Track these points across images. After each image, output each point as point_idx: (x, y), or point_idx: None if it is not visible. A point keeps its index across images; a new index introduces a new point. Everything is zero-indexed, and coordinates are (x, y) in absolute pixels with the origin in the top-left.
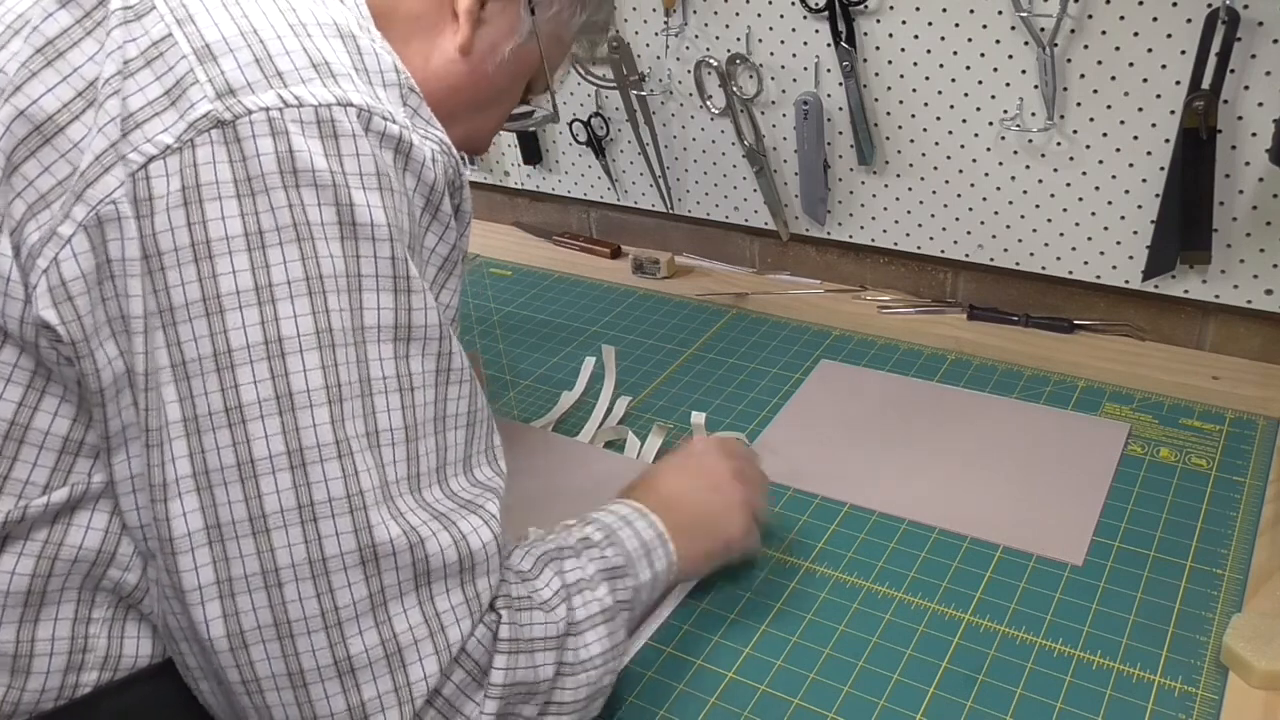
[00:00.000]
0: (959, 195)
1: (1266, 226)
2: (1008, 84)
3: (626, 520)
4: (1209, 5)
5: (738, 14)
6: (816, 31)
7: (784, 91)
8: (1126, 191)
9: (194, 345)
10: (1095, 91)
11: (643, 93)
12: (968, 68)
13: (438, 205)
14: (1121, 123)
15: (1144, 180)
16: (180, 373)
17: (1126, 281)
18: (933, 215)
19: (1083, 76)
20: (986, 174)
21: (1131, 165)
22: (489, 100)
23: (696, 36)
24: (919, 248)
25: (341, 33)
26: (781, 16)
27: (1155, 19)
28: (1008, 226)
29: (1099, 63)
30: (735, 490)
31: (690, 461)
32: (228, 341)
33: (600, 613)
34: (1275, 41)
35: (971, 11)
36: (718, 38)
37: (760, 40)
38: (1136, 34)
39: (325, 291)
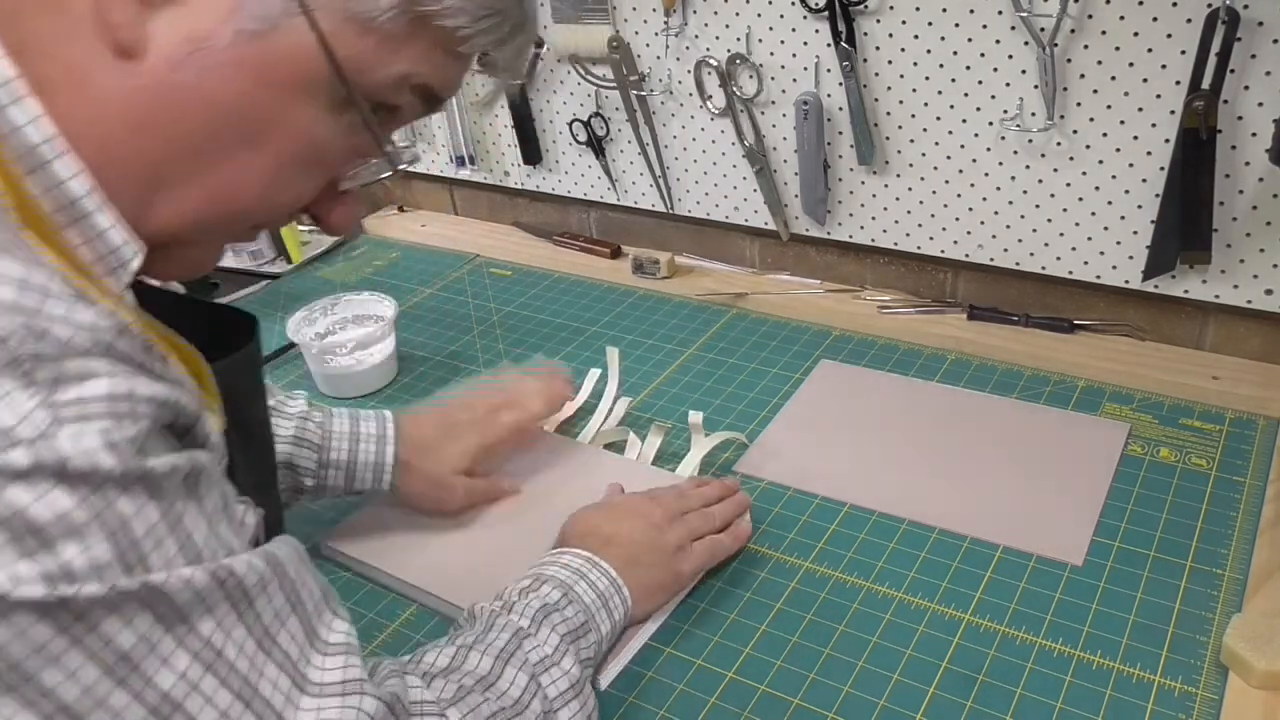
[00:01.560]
0: (959, 195)
1: (1266, 226)
2: (1008, 84)
3: (580, 574)
4: (1209, 5)
5: (738, 14)
6: (816, 31)
7: (784, 91)
8: (1126, 191)
9: None
10: (1095, 91)
11: (643, 93)
12: (968, 68)
13: (139, 476)
14: (1121, 123)
15: (1144, 180)
16: None
17: (1126, 281)
18: (933, 215)
19: (1083, 76)
20: (986, 174)
21: (1131, 165)
22: (231, 137)
23: (696, 36)
24: (919, 248)
25: None
26: (781, 16)
27: (1155, 19)
28: (1008, 226)
29: (1099, 63)
30: (669, 520)
31: (618, 502)
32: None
33: (570, 688)
34: (1275, 41)
35: (971, 11)
36: (718, 38)
37: (760, 40)
38: (1136, 34)
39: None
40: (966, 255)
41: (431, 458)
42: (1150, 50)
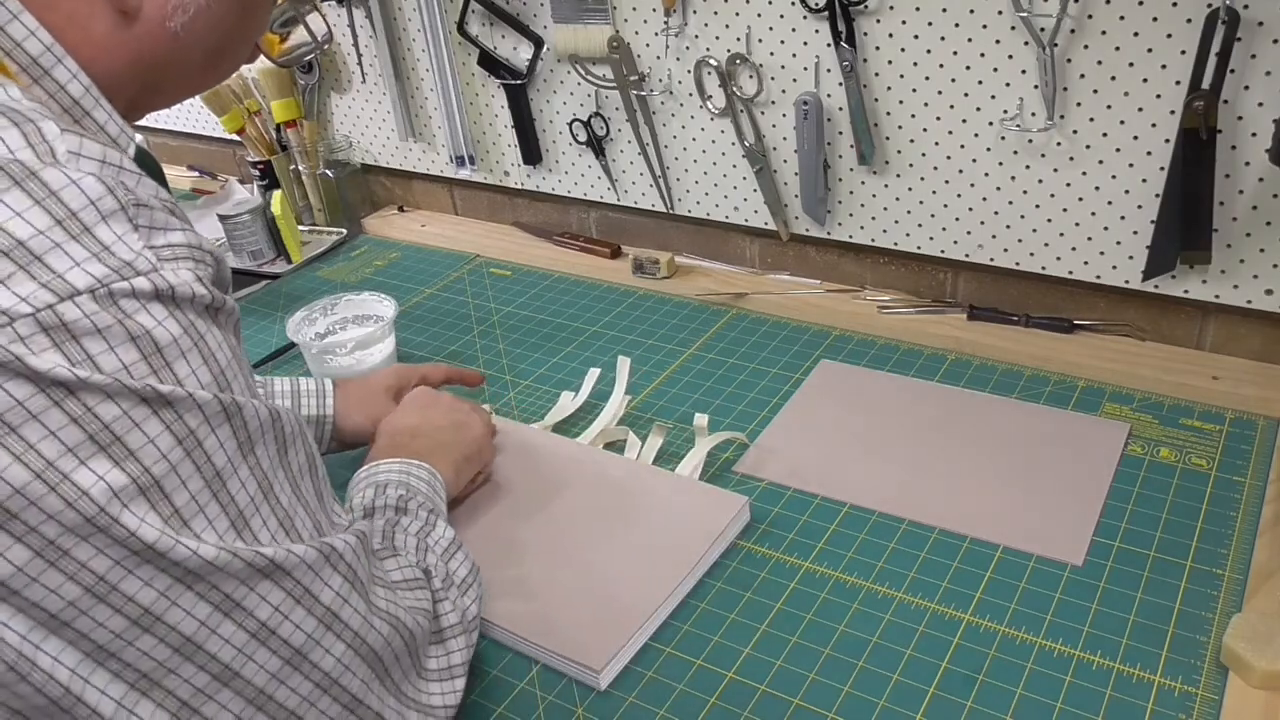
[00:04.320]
0: (959, 195)
1: (1266, 226)
2: (1008, 84)
3: (405, 470)
4: (1209, 5)
5: (738, 14)
6: (816, 31)
7: (784, 91)
8: (1126, 191)
9: None
10: (1095, 91)
11: (643, 93)
12: (968, 68)
13: (218, 307)
14: (1121, 123)
15: (1144, 180)
16: None
17: (1126, 281)
18: (933, 215)
19: (1083, 76)
20: (986, 174)
21: (1131, 165)
22: (208, 56)
23: (696, 36)
24: (919, 248)
25: (13, 174)
26: (781, 16)
27: (1155, 19)
28: (1008, 226)
29: (1099, 63)
30: (461, 404)
31: (409, 404)
32: None
33: (450, 543)
34: (1275, 41)
35: (971, 11)
36: (718, 38)
37: (760, 40)
38: (1136, 34)
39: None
40: (966, 255)
41: (360, 383)
42: (1150, 50)
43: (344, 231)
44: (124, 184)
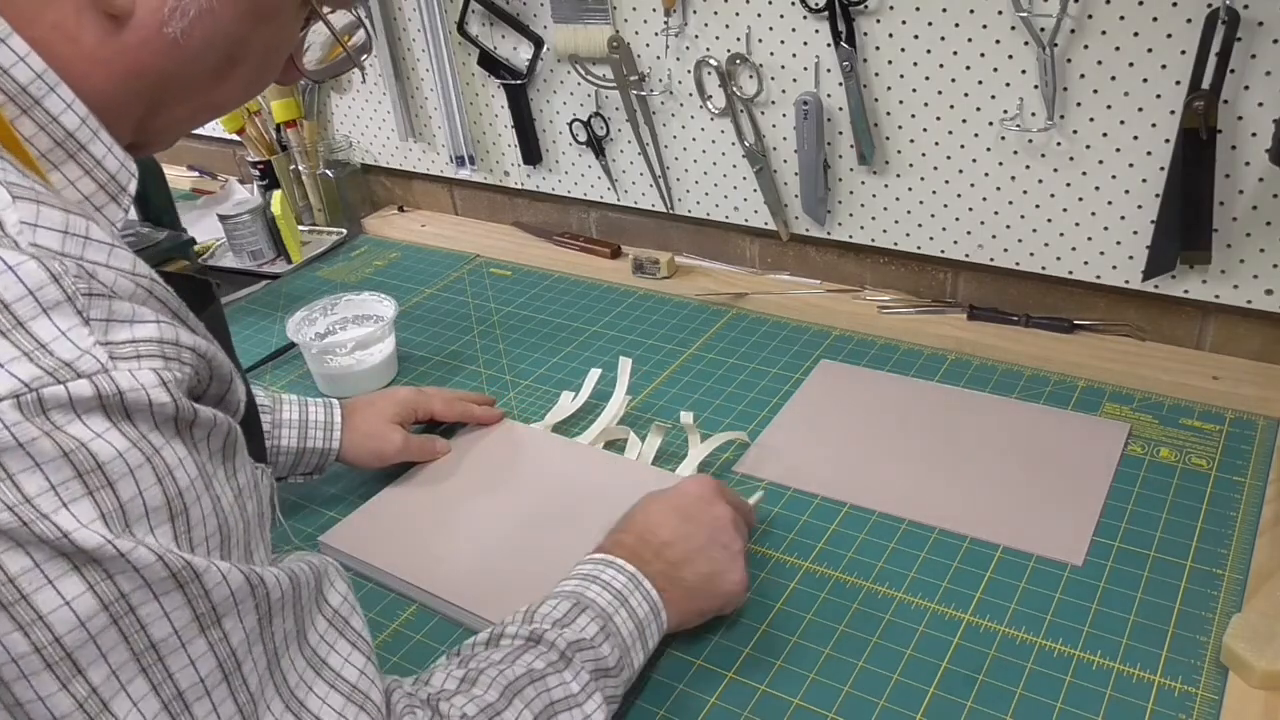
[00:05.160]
0: (959, 195)
1: (1266, 226)
2: (1008, 84)
3: (623, 599)
4: (1209, 5)
5: (738, 14)
6: (816, 31)
7: (784, 91)
8: (1126, 191)
9: None
10: (1095, 91)
11: (643, 93)
12: (968, 68)
13: (189, 420)
14: (1121, 123)
15: (1144, 180)
16: None
17: (1126, 281)
18: (933, 215)
19: (1083, 76)
20: (986, 174)
21: (1131, 165)
22: (219, 64)
23: (696, 36)
24: (919, 248)
25: None
26: (781, 16)
27: (1155, 19)
28: (1008, 226)
29: (1099, 63)
30: (735, 542)
31: (690, 506)
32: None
33: None
34: (1275, 41)
35: (971, 11)
36: (718, 38)
37: (760, 40)
38: (1136, 34)
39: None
40: (966, 255)
41: (368, 412)
42: (1150, 50)
43: (344, 231)
44: (83, 265)
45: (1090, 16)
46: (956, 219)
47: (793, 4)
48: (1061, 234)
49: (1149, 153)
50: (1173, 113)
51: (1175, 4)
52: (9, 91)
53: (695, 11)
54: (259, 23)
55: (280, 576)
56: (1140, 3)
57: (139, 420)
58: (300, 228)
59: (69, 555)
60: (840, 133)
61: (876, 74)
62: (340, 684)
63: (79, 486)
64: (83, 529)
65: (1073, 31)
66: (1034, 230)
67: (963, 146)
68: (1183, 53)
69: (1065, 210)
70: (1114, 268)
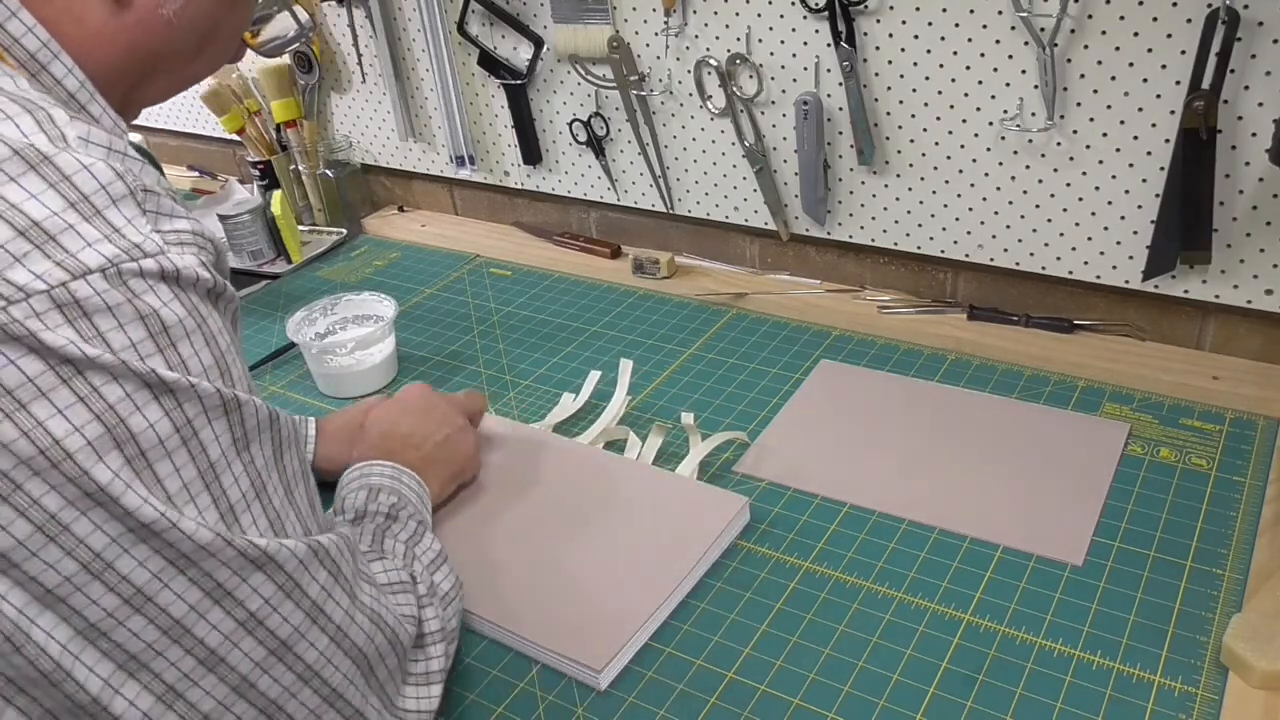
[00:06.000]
0: (959, 195)
1: (1266, 226)
2: (1008, 84)
3: (396, 478)
4: (1209, 5)
5: (738, 14)
6: (816, 31)
7: (784, 91)
8: (1126, 191)
9: None
10: (1095, 91)
11: (643, 93)
12: (968, 68)
13: (219, 293)
14: (1121, 123)
15: (1144, 180)
16: None
17: (1126, 281)
18: (933, 215)
19: (1083, 76)
20: (986, 174)
21: (1131, 165)
22: (199, 43)
23: (696, 36)
24: (919, 248)
25: (28, 159)
26: (781, 16)
27: (1155, 19)
28: (1008, 226)
29: (1099, 63)
30: (459, 418)
31: (415, 403)
32: None
33: (437, 555)
34: (1275, 41)
35: (971, 11)
36: (718, 38)
37: (760, 40)
38: (1136, 34)
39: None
40: (966, 255)
41: (340, 415)
42: (1150, 50)
43: (344, 231)
44: (131, 170)
45: (1090, 16)
46: (956, 219)
47: (793, 4)
48: (1061, 234)
49: (1149, 153)
50: (1173, 113)
51: (1175, 4)
52: (19, 58)
53: (695, 11)
54: (233, 5)
55: (283, 415)
56: (1140, 3)
57: (191, 292)
58: (300, 228)
59: (152, 386)
60: (840, 133)
61: (876, 74)
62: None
63: (152, 345)
64: (165, 369)
65: (1073, 31)
66: (1034, 230)
67: (963, 146)
68: (1183, 53)
69: (1065, 210)
70: (1114, 268)
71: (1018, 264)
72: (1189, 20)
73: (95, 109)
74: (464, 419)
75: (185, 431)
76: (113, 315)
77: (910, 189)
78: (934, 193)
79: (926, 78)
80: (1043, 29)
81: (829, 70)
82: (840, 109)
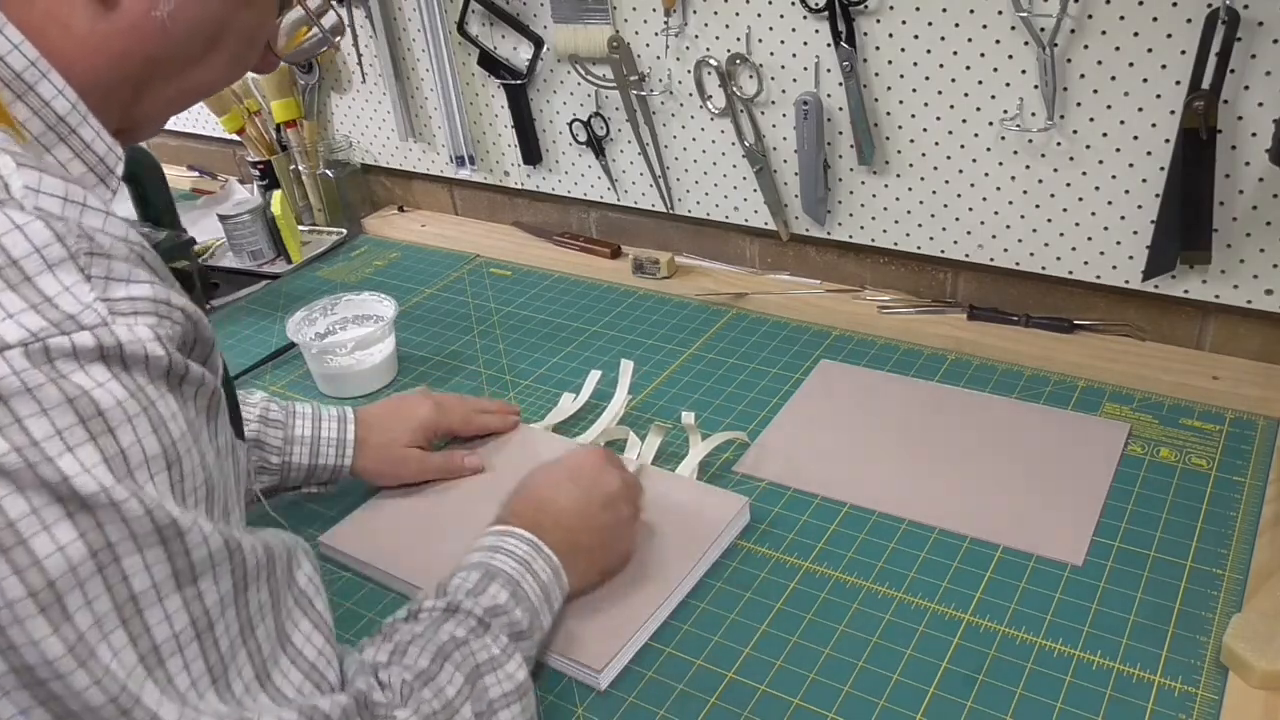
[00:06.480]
0: (959, 195)
1: (1266, 226)
2: (1008, 84)
3: (527, 564)
4: (1209, 5)
5: (738, 14)
6: (816, 31)
7: (784, 91)
8: (1126, 191)
9: None
10: (1095, 91)
11: (643, 93)
12: (968, 68)
13: (181, 374)
14: (1121, 123)
15: (1144, 180)
16: None
17: (1126, 281)
18: (933, 215)
19: (1083, 76)
20: (986, 174)
21: (1131, 165)
22: (202, 47)
23: (696, 36)
24: (919, 248)
25: None
26: (781, 16)
27: (1155, 19)
28: (1008, 226)
29: (1099, 63)
30: (626, 509)
31: (583, 476)
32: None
33: (514, 689)
34: (1275, 41)
35: (971, 11)
36: (718, 38)
37: (760, 40)
38: (1136, 34)
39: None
40: (966, 255)
41: (384, 433)
42: (1150, 50)
43: (344, 231)
44: (83, 228)
45: (1090, 16)
46: (956, 219)
47: (793, 4)
48: (1061, 234)
49: (1149, 153)
50: (1173, 113)
51: (1175, 4)
52: (4, 78)
53: (695, 11)
54: (240, 6)
55: (256, 546)
56: (1140, 3)
57: (136, 372)
58: (300, 228)
59: (64, 500)
60: (840, 133)
61: (876, 74)
62: (300, 661)
63: (82, 432)
64: (84, 474)
65: (1073, 31)
66: (1034, 230)
67: (963, 146)
68: (1183, 53)
69: (1065, 210)
70: (1114, 268)
71: (1018, 264)
72: (1189, 20)
73: (87, 132)
74: (633, 508)
75: (103, 557)
76: (33, 398)
77: (910, 189)
78: (934, 193)
79: (926, 78)
80: (1043, 29)
81: (829, 70)
82: (840, 109)
